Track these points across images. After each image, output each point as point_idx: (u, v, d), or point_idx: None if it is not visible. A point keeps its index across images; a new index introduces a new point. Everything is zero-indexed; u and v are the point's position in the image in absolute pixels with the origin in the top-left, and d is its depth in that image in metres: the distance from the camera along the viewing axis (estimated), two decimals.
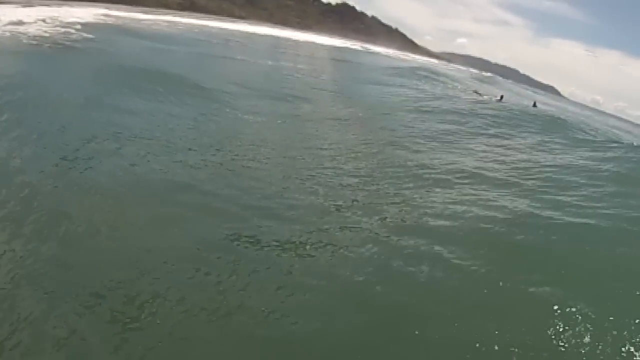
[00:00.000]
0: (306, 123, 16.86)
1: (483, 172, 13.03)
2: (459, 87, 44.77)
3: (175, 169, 10.40)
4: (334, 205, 9.80)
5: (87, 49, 24.78)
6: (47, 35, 27.01)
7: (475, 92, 35.63)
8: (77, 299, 5.88)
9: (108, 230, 7.54)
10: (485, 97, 35.57)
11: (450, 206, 10.17)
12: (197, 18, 71.19)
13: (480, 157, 14.79)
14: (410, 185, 11.44)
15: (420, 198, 10.60)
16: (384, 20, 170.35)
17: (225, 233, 7.91)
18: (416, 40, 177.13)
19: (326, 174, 11.57)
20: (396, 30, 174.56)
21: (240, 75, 25.19)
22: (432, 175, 12.24)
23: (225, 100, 18.07)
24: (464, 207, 10.08)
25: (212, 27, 61.81)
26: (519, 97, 58.87)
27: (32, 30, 27.82)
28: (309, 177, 11.23)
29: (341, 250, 7.92)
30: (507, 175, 13.03)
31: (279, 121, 16.45)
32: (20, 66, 17.90)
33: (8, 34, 25.41)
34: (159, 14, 62.97)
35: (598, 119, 64.53)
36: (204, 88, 19.22)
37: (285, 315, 6.19)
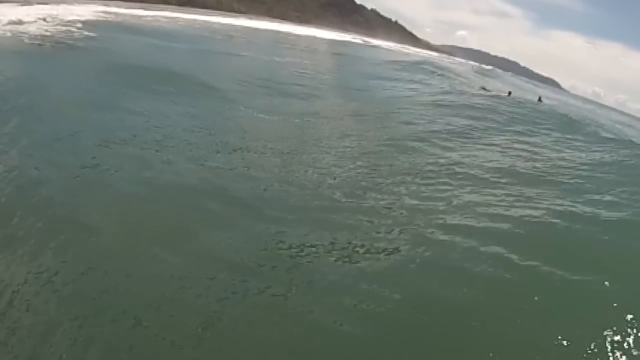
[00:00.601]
0: (325, 121, 16.34)
1: (516, 169, 12.73)
2: (466, 82, 43.98)
3: (201, 172, 9.95)
4: (375, 205, 9.47)
5: (91, 48, 24.12)
6: (48, 34, 26.34)
7: (483, 88, 34.97)
8: (111, 312, 5.50)
9: (139, 240, 7.10)
10: (493, 92, 35.01)
11: (495, 205, 9.94)
12: (196, 14, 70.25)
13: (509, 154, 14.35)
14: (449, 183, 11.17)
15: (463, 196, 10.32)
16: (383, 13, 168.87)
17: (264, 239, 7.56)
18: (416, 33, 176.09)
19: (359, 173, 11.28)
20: (396, 23, 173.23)
21: (248, 72, 24.56)
22: (468, 173, 12.02)
23: (238, 98, 17.56)
24: (509, 206, 9.89)
25: (213, 23, 60.98)
26: (523, 91, 58.14)
27: (33, 29, 27.13)
28: (342, 176, 10.89)
29: (392, 252, 7.62)
30: (540, 172, 12.78)
31: (296, 120, 15.90)
32: (25, 68, 17.27)
33: (9, 34, 24.73)
34: (158, 10, 62.02)
35: (608, 115, 63.93)
36: (215, 87, 18.69)
37: (340, 322, 5.85)
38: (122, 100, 14.47)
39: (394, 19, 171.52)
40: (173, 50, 28.64)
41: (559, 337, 5.86)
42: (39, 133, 10.59)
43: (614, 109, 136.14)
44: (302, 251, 7.37)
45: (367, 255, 7.47)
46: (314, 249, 7.47)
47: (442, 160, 12.78)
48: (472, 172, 12.01)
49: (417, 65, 50.56)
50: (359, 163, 11.89)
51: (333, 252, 7.43)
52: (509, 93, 34.53)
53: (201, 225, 7.78)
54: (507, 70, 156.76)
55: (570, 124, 22.40)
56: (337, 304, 6.22)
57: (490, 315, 6.33)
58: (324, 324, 5.84)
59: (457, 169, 12.10)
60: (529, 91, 60.49)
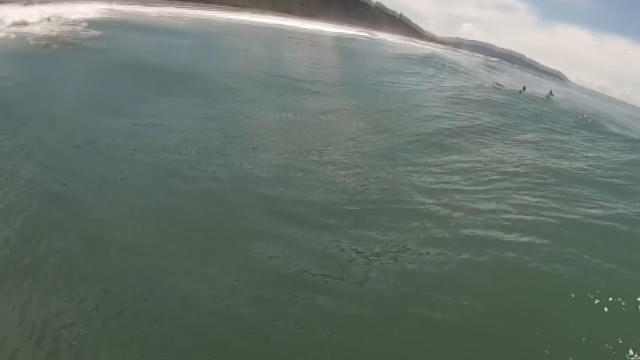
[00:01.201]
0: (350, 118, 15.76)
1: (556, 168, 12.35)
2: (477, 77, 43.02)
3: (235, 177, 9.47)
4: (424, 206, 9.21)
5: (99, 48, 23.36)
6: (54, 35, 25.60)
7: (497, 84, 34.08)
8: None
9: (181, 256, 6.72)
10: (507, 88, 34.15)
11: (546, 204, 9.69)
12: (201, 9, 69.26)
13: (544, 152, 13.80)
14: (495, 180, 10.88)
15: (514, 195, 10.10)
16: (388, 6, 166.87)
17: (315, 247, 7.34)
18: (421, 26, 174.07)
19: (399, 172, 10.97)
20: (401, 17, 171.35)
21: (262, 70, 23.74)
22: (510, 171, 11.66)
23: (258, 97, 17.04)
24: (559, 206, 9.68)
25: (219, 19, 60.06)
26: (533, 85, 57.10)
27: (37, 30, 26.43)
28: (382, 176, 10.57)
29: (452, 255, 7.47)
30: (580, 171, 12.24)
31: (320, 118, 15.27)
32: (34, 71, 16.55)
33: (14, 35, 24.03)
34: (162, 6, 61.10)
35: (624, 111, 63.09)
36: (232, 86, 18.28)
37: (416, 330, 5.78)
38: (139, 103, 13.82)
39: (398, 13, 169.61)
40: (182, 48, 27.81)
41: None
42: (57, 142, 10.00)
43: (622, 102, 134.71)
44: (355, 259, 7.11)
45: (426, 259, 7.31)
46: (367, 256, 7.23)
47: (481, 158, 12.46)
48: (513, 170, 11.63)
49: (427, 59, 49.55)
50: (396, 161, 11.51)
51: (388, 257, 7.25)
52: (523, 88, 33.71)
53: (245, 235, 7.49)
54: (513, 63, 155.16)
55: (591, 122, 21.69)
56: (400, 313, 6.10)
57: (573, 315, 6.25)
58: (395, 335, 5.66)
59: (498, 167, 11.77)
60: (538, 85, 59.49)
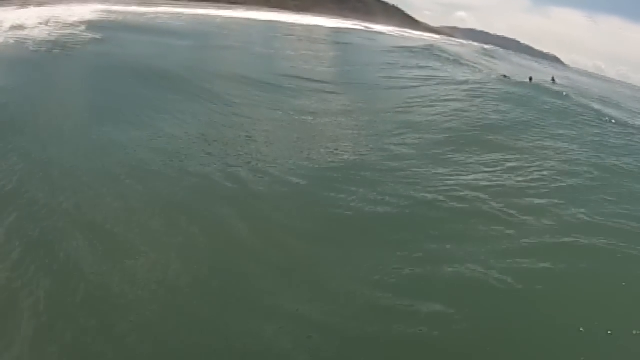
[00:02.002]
0: (375, 117, 15.17)
1: (611, 165, 11.60)
2: (482, 69, 42.38)
3: (275, 182, 8.98)
4: (488, 208, 8.89)
5: (101, 51, 22.65)
6: (53, 39, 24.86)
7: (503, 75, 33.54)
8: None
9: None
10: (515, 79, 33.62)
11: (614, 203, 9.35)
12: (196, 7, 68.42)
13: (590, 148, 13.10)
14: (553, 180, 10.48)
15: (577, 195, 9.77)
16: None
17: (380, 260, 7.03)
18: (415, 16, 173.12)
19: (447, 173, 10.47)
20: (394, 7, 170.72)
21: (269, 72, 23.05)
22: (564, 169, 11.04)
23: (275, 98, 16.39)
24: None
25: (215, 17, 59.26)
26: (534, 72, 56.50)
27: (36, 34, 25.68)
28: (431, 177, 10.09)
29: (533, 260, 7.23)
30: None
31: (344, 118, 14.60)
32: (36, 79, 15.87)
33: (12, 41, 23.30)
34: (158, 6, 60.29)
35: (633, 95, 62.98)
36: (244, 88, 17.36)
37: None
38: (151, 110, 13.15)
39: (391, 3, 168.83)
40: (185, 49, 27.18)
41: None
42: (68, 159, 9.29)
43: (621, 82, 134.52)
44: (432, 274, 6.82)
45: (504, 268, 7.01)
46: (441, 265, 6.99)
47: (527, 156, 11.96)
48: (564, 168, 10.95)
49: (426, 50, 48.77)
50: (441, 161, 10.94)
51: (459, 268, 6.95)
52: (530, 79, 33.24)
53: (303, 248, 7.13)
54: (508, 49, 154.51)
55: (612, 114, 21.20)
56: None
57: None
58: None
59: (547, 164, 11.38)
60: (539, 72, 59.04)
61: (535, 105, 18.88)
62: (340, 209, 8.35)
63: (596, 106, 22.34)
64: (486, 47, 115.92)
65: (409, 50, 48.77)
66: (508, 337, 5.93)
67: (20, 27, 27.41)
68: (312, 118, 14.20)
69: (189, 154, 10.18)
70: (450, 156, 11.45)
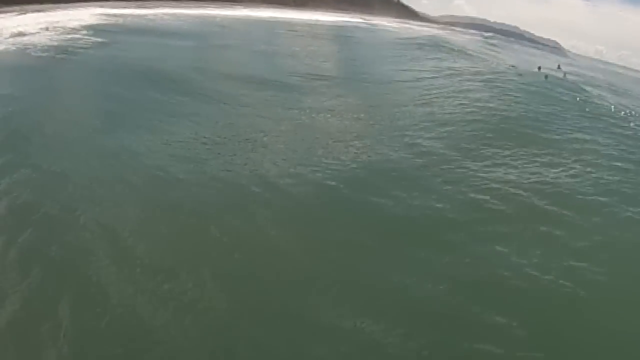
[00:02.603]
0: (402, 111, 14.71)
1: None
2: (489, 60, 41.56)
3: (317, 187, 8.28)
4: (542, 207, 8.47)
5: (106, 55, 22.08)
6: (56, 44, 24.32)
7: (512, 66, 33.05)
8: None
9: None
10: (524, 69, 33.09)
11: None
12: (195, 7, 67.64)
13: (623, 142, 12.57)
14: (593, 171, 10.11)
15: (620, 188, 9.48)
16: None
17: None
18: (413, 7, 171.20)
19: (491, 170, 9.98)
20: None
21: (282, 71, 22.50)
22: (602, 163, 10.76)
23: (296, 96, 16.00)
24: None
25: (215, 16, 58.63)
26: (537, 59, 55.76)
27: (38, 40, 25.12)
28: (476, 175, 9.61)
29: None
30: None
31: (373, 110, 14.09)
32: (43, 85, 15.33)
33: (13, 47, 22.79)
34: (156, 7, 59.66)
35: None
36: (263, 89, 16.92)
37: None
38: (166, 112, 12.66)
39: None
40: (191, 50, 26.55)
41: None
42: (81, 173, 8.78)
43: (625, 67, 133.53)
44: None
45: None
46: (495, 269, 6.60)
47: (566, 149, 11.57)
48: (601, 162, 10.79)
49: (430, 43, 48.01)
50: (481, 157, 10.36)
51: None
52: (539, 68, 32.78)
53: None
54: (508, 36, 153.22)
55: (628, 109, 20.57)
56: None
57: None
58: None
59: (587, 158, 10.99)
60: (542, 59, 58.22)
61: (553, 96, 18.30)
62: (380, 212, 7.89)
63: (609, 96, 21.82)
64: (486, 34, 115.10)
65: (414, 42, 48.05)
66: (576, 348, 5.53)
67: (21, 34, 26.87)
68: (330, 115, 13.66)
69: (209, 158, 9.68)
70: (483, 151, 10.95)
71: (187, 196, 8.06)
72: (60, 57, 21.15)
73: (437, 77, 22.71)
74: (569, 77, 29.42)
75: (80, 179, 8.54)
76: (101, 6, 52.65)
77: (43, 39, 25.50)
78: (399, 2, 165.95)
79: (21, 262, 6.20)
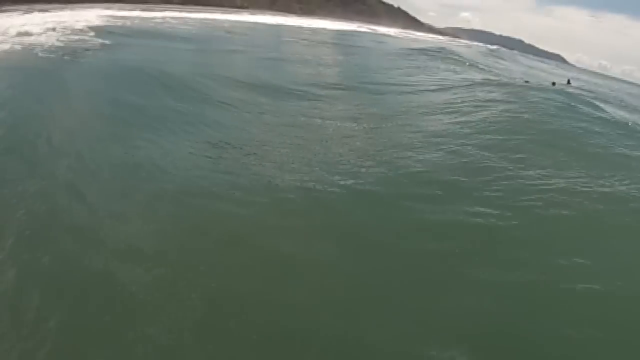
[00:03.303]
0: (423, 120, 13.75)
1: None
2: (499, 72, 40.97)
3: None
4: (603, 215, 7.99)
5: (115, 58, 21.38)
6: (62, 45, 23.61)
7: (526, 81, 32.50)
8: None
9: None
10: (538, 84, 32.50)
11: None
12: (202, 12, 67.30)
13: None
14: None
15: None
16: (385, 0, 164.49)
17: None
18: (419, 17, 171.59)
19: (533, 176, 9.32)
20: (399, 9, 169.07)
21: (292, 75, 21.85)
22: None
23: (316, 105, 15.09)
24: None
25: (223, 21, 58.11)
26: (547, 74, 55.17)
27: (43, 40, 24.41)
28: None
29: None
30: None
31: (395, 119, 13.28)
32: (51, 88, 14.54)
33: (19, 47, 22.06)
34: (163, 10, 59.22)
35: None
36: (274, 90, 16.23)
37: None
38: (184, 120, 11.89)
39: (396, 5, 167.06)
40: (199, 53, 25.95)
41: None
42: (98, 190, 7.95)
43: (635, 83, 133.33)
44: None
45: None
46: (567, 284, 6.01)
47: (604, 162, 10.96)
48: None
49: (439, 53, 47.57)
50: (519, 160, 9.62)
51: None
52: (553, 84, 32.21)
53: None
54: (512, 49, 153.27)
55: None
56: None
57: None
58: None
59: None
60: (550, 73, 57.67)
61: (580, 112, 17.49)
62: (432, 223, 7.13)
63: (628, 115, 21.12)
64: (491, 47, 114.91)
65: (423, 52, 47.54)
66: None
67: (27, 33, 26.18)
68: (356, 124, 12.94)
69: (235, 170, 8.85)
70: (531, 160, 10.31)
71: (215, 210, 7.26)
72: (67, 58, 20.41)
73: (455, 87, 22.00)
74: (583, 92, 28.78)
75: (98, 189, 7.73)
76: (108, 8, 52.31)
77: (50, 39, 24.80)
78: (404, 12, 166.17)
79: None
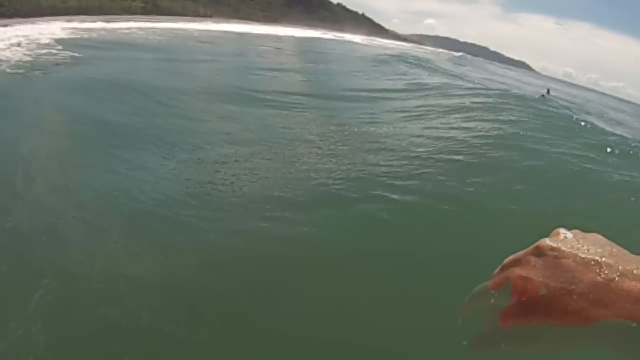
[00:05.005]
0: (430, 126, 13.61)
1: None
2: (473, 79, 41.51)
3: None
4: None
5: (89, 70, 20.59)
6: (30, 59, 22.70)
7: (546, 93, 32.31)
8: None
9: None
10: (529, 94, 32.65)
11: None
12: (167, 22, 66.18)
13: None
14: None
15: None
16: (349, 7, 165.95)
17: None
18: (384, 24, 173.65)
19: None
20: (363, 16, 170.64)
21: (281, 84, 21.60)
22: None
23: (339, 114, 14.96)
24: None
25: (191, 30, 57.21)
26: (508, 79, 56.17)
27: (9, 55, 23.39)
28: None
29: None
30: None
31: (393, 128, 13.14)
32: (24, 106, 13.82)
33: None
34: (126, 21, 58.00)
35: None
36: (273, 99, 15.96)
37: None
38: (180, 136, 11.46)
39: (360, 12, 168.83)
40: (175, 64, 25.40)
41: None
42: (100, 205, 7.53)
43: (606, 92, 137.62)
44: None
45: None
46: None
47: None
48: None
49: (404, 58, 47.75)
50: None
51: None
52: (548, 91, 31.65)
53: None
54: (477, 55, 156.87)
55: None
56: None
57: None
58: None
59: None
60: (522, 82, 58.25)
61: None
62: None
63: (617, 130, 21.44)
64: (455, 53, 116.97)
65: (390, 58, 47.86)
66: None
67: None
68: (374, 127, 12.82)
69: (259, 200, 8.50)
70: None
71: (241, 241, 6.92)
72: (38, 73, 19.58)
73: (439, 95, 22.27)
74: (571, 105, 28.47)
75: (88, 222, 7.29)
76: (69, 20, 50.82)
77: (16, 55, 23.78)
78: (369, 19, 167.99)
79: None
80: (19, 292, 5.30)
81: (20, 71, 19.80)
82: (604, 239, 0.71)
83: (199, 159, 10.02)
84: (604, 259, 0.64)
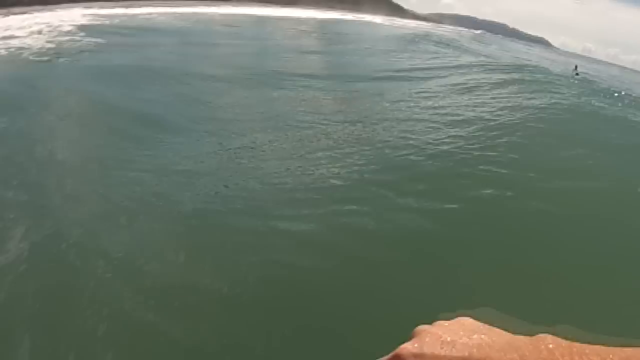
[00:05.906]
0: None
1: None
2: (508, 58, 39.26)
3: None
4: None
5: (115, 57, 19.38)
6: (53, 46, 21.60)
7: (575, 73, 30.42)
8: None
9: None
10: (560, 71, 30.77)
11: None
12: (184, 6, 64.72)
13: None
14: None
15: None
16: None
17: None
18: (402, 4, 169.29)
19: None
20: None
21: (319, 66, 20.29)
22: None
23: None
24: None
25: (212, 14, 55.99)
26: (530, 56, 53.47)
27: (31, 42, 22.35)
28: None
29: None
30: None
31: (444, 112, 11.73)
32: (52, 93, 12.70)
33: (4, 51, 19.99)
34: (146, 7, 56.81)
35: None
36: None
37: None
38: (232, 117, 10.21)
39: None
40: (203, 47, 24.22)
41: None
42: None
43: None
44: None
45: None
46: None
47: None
48: None
49: (430, 38, 45.74)
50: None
51: None
52: (575, 67, 29.91)
53: None
54: (497, 33, 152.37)
55: None
56: None
57: None
58: None
59: None
60: (546, 59, 55.41)
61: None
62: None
63: None
64: (475, 31, 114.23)
65: (417, 37, 45.88)
66: None
67: (11, 37, 24.05)
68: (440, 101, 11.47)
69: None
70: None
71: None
72: (63, 60, 18.49)
73: (471, 69, 20.70)
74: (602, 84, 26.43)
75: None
76: (88, 7, 49.73)
77: (38, 42, 22.73)
78: (387, 0, 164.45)
79: None
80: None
81: (45, 58, 18.75)
82: (469, 323, 0.64)
83: (252, 146, 8.79)
84: (474, 352, 0.57)
